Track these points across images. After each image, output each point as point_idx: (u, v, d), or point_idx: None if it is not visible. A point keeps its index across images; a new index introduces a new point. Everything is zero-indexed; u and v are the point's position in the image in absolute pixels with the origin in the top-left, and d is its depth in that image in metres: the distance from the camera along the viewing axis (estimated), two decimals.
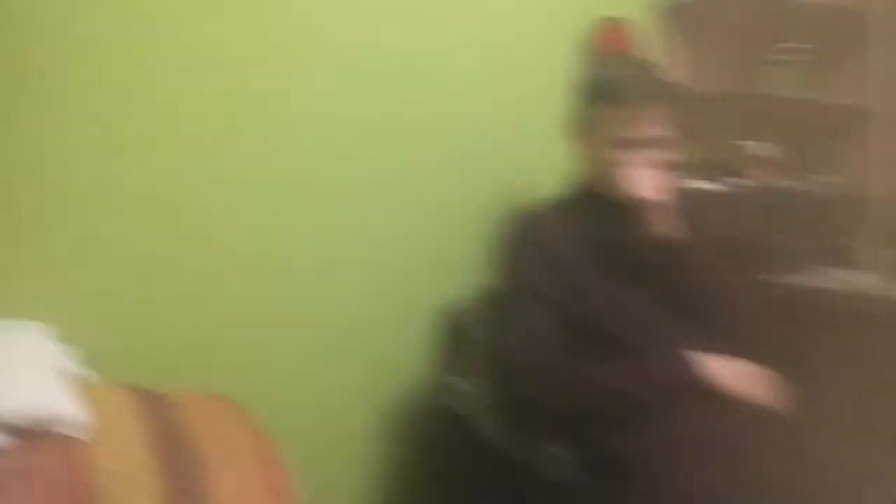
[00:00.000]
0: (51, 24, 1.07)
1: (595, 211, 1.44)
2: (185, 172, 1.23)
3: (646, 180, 1.36)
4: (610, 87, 1.42)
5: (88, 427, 0.88)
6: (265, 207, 1.34)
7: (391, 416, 1.54)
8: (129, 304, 1.17)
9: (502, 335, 1.35)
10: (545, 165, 1.62)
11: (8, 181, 1.05)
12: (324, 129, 1.42)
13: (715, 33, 2.17)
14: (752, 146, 2.00)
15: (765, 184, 2.01)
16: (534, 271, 1.36)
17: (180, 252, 1.23)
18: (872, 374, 1.98)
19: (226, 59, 1.26)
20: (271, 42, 1.32)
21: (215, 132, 1.26)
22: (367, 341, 1.49)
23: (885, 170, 2.22)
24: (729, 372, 1.26)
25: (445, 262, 1.61)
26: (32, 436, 0.83)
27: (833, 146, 2.31)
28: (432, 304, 1.47)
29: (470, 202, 1.66)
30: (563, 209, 1.48)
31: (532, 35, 1.79)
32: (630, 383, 1.26)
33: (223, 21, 1.26)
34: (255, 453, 1.01)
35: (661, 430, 1.20)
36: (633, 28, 1.96)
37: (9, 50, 1.04)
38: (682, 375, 1.25)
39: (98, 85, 1.12)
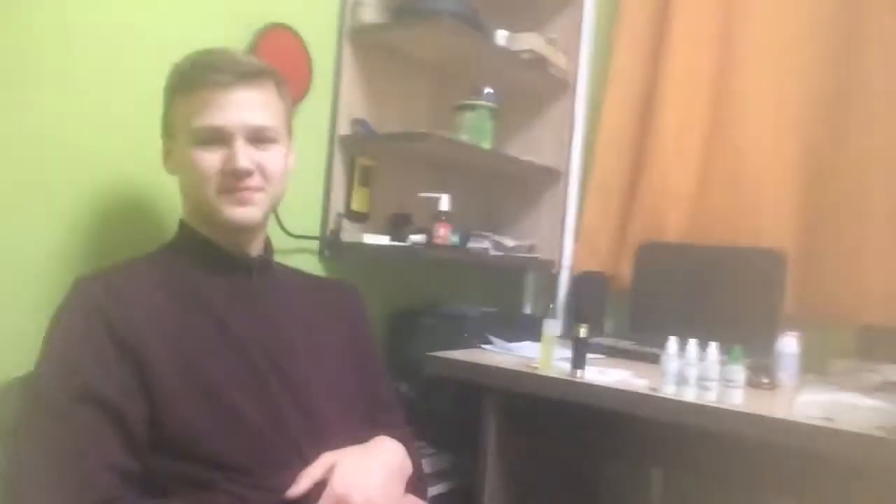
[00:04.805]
0: None
1: (192, 259, 1.06)
2: None
3: (244, 192, 1.01)
4: (182, 70, 1.03)
5: None
6: None
7: None
8: None
9: (24, 465, 0.88)
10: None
11: None
12: None
13: (406, 66, 1.87)
14: (437, 200, 1.75)
15: (448, 241, 1.76)
16: (91, 363, 0.90)
17: None
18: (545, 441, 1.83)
19: None
20: None
21: None
22: None
23: (572, 235, 2.14)
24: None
25: None
26: None
27: (525, 207, 2.19)
28: None
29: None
30: (151, 266, 1.05)
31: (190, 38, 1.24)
32: None
33: None
34: None
35: None
36: (305, 42, 1.61)
37: None
38: None
39: None
